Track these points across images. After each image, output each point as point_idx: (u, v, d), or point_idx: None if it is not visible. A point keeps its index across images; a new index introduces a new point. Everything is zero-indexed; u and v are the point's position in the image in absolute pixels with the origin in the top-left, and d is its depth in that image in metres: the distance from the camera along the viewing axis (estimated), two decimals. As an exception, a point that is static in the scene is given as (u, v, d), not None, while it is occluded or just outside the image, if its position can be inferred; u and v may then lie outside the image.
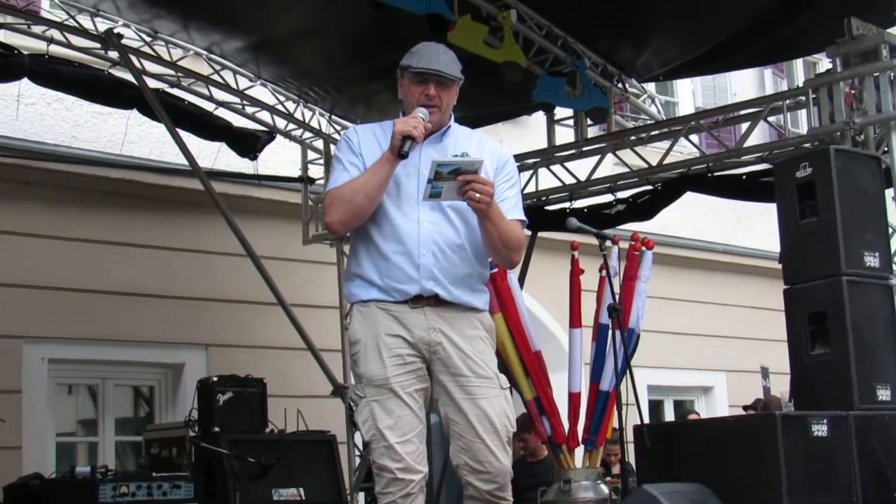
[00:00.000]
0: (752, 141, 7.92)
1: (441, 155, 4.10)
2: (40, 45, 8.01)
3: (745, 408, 10.04)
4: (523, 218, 4.30)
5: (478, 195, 3.95)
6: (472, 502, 4.16)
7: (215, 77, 8.92)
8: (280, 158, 9.78)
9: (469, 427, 4.09)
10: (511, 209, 4.22)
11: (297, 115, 9.40)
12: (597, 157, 8.59)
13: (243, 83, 9.07)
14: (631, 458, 6.19)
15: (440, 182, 3.94)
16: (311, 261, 9.67)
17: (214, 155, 9.19)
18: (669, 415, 12.86)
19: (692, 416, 10.89)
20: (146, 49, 8.55)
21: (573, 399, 7.10)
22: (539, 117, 9.16)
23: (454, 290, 4.11)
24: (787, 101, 7.61)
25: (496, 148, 4.34)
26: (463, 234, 4.15)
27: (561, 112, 8.74)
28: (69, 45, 8.15)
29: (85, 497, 6.64)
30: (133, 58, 8.31)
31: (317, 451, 8.01)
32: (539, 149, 8.86)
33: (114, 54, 8.25)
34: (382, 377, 4.06)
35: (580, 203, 8.79)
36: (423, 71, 4.16)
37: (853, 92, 6.85)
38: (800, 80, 13.33)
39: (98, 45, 8.24)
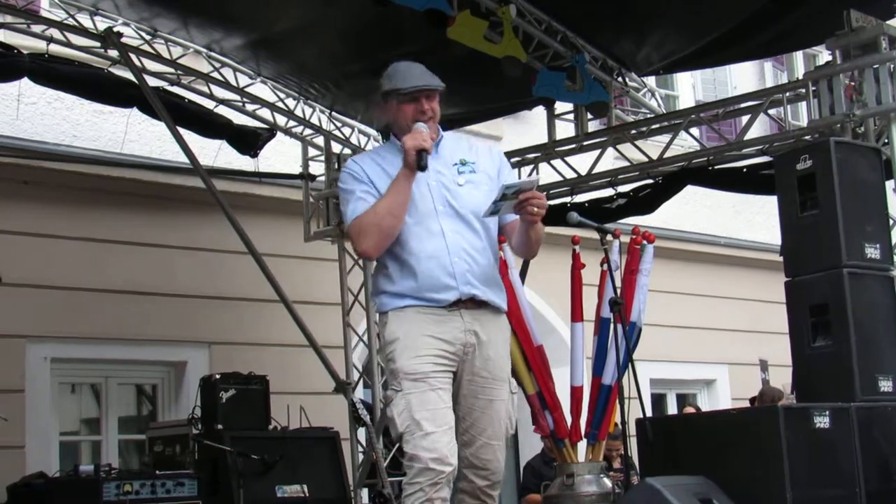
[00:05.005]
0: (752, 134, 7.92)
1: (443, 164, 4.34)
2: (40, 45, 8.02)
3: (752, 400, 10.06)
4: None
5: (535, 209, 4.14)
6: (462, 496, 4.30)
7: (215, 75, 8.92)
8: (281, 156, 9.79)
9: (477, 425, 4.24)
10: None
11: (298, 112, 9.40)
12: (597, 152, 8.59)
13: (243, 80, 9.07)
14: (633, 451, 6.19)
15: (502, 202, 4.16)
16: (312, 258, 9.67)
17: (215, 153, 9.19)
18: (672, 408, 12.87)
19: (689, 410, 10.90)
20: (146, 47, 8.55)
21: (575, 393, 7.10)
22: (539, 112, 9.15)
23: (488, 291, 4.28)
24: (788, 94, 7.62)
25: (486, 148, 4.53)
26: (484, 237, 4.32)
27: (561, 106, 8.74)
28: (69, 44, 8.16)
29: (89, 496, 6.65)
30: (133, 56, 8.31)
31: (320, 448, 8.03)
32: (539, 143, 8.86)
33: (114, 53, 8.26)
34: (421, 372, 4.15)
35: (581, 197, 8.80)
36: (415, 90, 4.30)
37: (853, 84, 6.87)
38: (800, 72, 13.31)
39: (98, 44, 8.24)
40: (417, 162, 4.15)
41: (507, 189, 4.13)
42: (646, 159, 8.38)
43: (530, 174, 8.79)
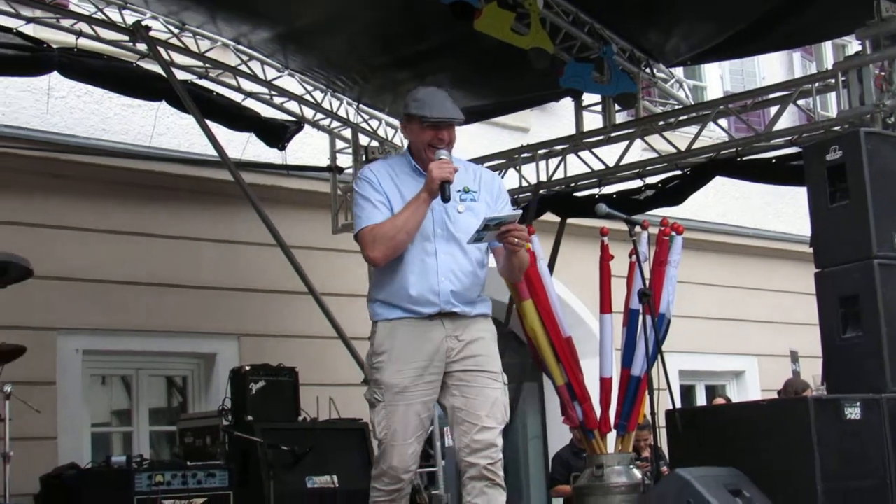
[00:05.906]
0: (781, 125, 7.87)
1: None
2: (69, 39, 8.06)
3: (780, 392, 10.03)
4: None
5: (516, 240, 4.51)
6: (471, 482, 4.58)
7: (243, 68, 8.95)
8: (308, 148, 9.81)
9: (473, 412, 4.59)
10: None
11: (325, 105, 9.42)
12: (625, 143, 8.57)
13: (271, 73, 9.10)
14: (663, 442, 6.19)
15: (485, 231, 4.48)
16: (340, 249, 9.67)
17: (243, 145, 9.23)
18: (701, 400, 12.85)
19: (719, 401, 10.87)
20: (174, 41, 8.58)
21: (605, 384, 7.10)
22: (567, 104, 9.13)
23: (467, 308, 4.67)
24: (817, 84, 7.57)
25: (489, 177, 4.88)
26: (474, 260, 4.69)
27: (589, 98, 8.71)
28: (98, 38, 8.21)
29: (121, 486, 6.70)
30: (161, 50, 8.35)
31: (349, 439, 8.05)
32: (567, 135, 8.85)
33: (142, 46, 8.29)
34: (402, 387, 4.62)
35: (609, 189, 8.78)
36: (438, 120, 4.61)
37: (883, 74, 6.83)
38: (829, 62, 13.22)
39: (126, 38, 8.28)
40: (441, 193, 4.50)
41: (490, 221, 4.45)
42: (674, 150, 8.36)
43: (557, 167, 8.79)
